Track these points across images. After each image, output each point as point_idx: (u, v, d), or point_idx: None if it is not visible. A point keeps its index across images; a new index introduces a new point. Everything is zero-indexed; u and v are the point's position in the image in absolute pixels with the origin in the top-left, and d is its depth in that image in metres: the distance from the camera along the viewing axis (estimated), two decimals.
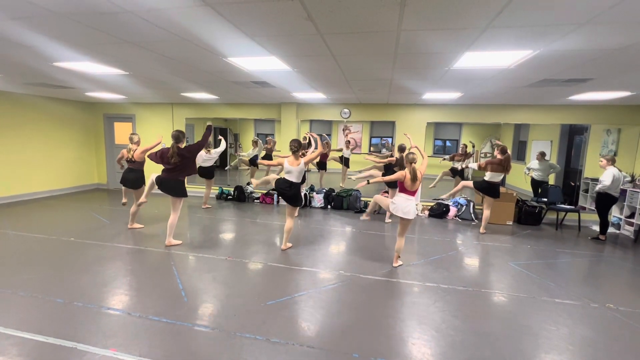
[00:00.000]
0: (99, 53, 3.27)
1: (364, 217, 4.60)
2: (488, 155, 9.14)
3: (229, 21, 2.28)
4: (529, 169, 6.68)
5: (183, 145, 4.05)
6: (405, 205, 3.60)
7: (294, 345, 2.35)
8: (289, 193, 3.97)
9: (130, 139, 4.71)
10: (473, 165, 5.46)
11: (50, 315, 2.63)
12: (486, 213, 5.31)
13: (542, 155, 6.50)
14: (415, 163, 3.60)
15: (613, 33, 2.30)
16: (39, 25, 2.51)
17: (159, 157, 4.04)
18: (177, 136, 3.98)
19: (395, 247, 3.82)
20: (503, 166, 5.01)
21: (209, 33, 2.56)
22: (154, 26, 2.43)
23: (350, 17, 2.15)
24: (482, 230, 5.29)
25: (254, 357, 2.20)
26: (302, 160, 3.96)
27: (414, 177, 3.53)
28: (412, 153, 3.65)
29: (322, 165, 8.22)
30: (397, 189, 3.76)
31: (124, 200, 5.09)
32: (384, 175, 4.40)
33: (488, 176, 5.15)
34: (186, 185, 4.33)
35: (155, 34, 2.62)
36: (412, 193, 3.63)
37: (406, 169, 3.60)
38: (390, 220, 5.89)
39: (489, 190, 5.18)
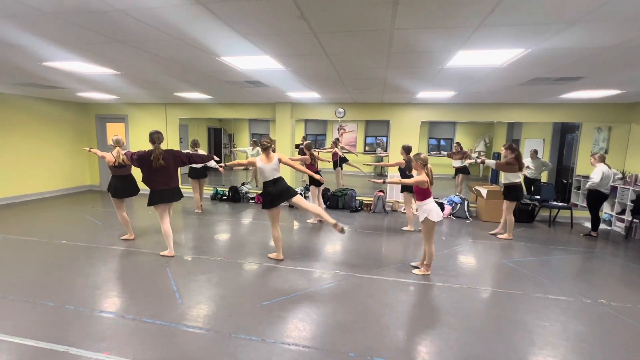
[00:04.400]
0: (89, 52, 3.22)
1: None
2: (482, 154, 9.26)
3: (222, 20, 2.26)
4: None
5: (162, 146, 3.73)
6: (437, 208, 3.44)
7: (290, 345, 2.34)
8: (276, 190, 3.67)
9: (117, 142, 4.25)
10: (490, 162, 4.98)
11: (41, 319, 2.59)
12: (509, 218, 4.93)
13: (535, 152, 6.57)
14: (428, 163, 3.47)
15: (602, 31, 2.33)
16: (28, 25, 2.46)
17: (137, 160, 3.68)
18: (159, 137, 3.69)
19: (428, 254, 3.54)
20: (519, 165, 4.75)
21: (201, 32, 2.54)
22: (146, 25, 2.39)
23: (344, 15, 2.14)
24: (510, 236, 4.95)
25: (249, 358, 2.19)
26: (277, 157, 3.71)
27: (431, 180, 3.44)
28: (421, 153, 3.52)
29: (336, 164, 7.92)
30: (416, 194, 3.55)
31: (130, 236, 4.47)
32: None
33: (508, 179, 4.86)
34: (180, 187, 4.08)
35: (146, 33, 2.58)
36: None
37: (424, 173, 3.45)
38: (410, 228, 5.35)
39: (511, 192, 4.87)
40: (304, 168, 4.24)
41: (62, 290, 3.05)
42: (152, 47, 2.99)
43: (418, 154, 3.50)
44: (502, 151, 4.93)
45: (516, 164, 4.74)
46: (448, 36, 2.50)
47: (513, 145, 4.80)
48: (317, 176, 4.45)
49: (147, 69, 3.90)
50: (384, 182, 3.64)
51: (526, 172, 6.63)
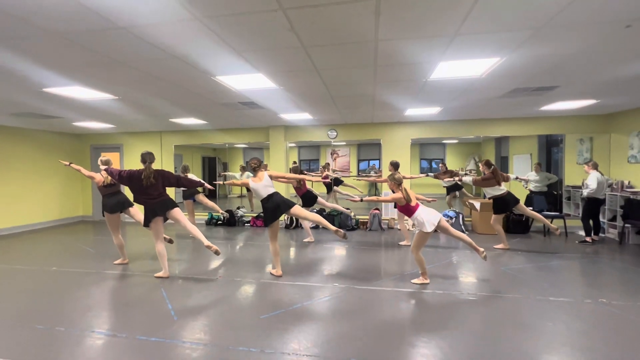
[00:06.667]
0: (88, 76, 3.35)
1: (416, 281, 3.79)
2: (473, 172, 9.44)
3: (217, 34, 2.41)
4: (526, 181, 6.77)
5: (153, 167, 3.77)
6: (430, 214, 3.48)
7: (290, 355, 2.27)
8: (272, 205, 3.71)
9: (106, 162, 4.11)
10: (467, 179, 5.19)
11: (30, 341, 2.48)
12: (497, 229, 5.04)
13: (539, 166, 6.71)
14: (402, 183, 3.64)
15: (566, 37, 2.53)
16: (30, 48, 2.59)
17: (127, 177, 3.67)
18: (151, 157, 3.73)
19: (417, 262, 3.59)
20: (496, 179, 4.82)
21: (198, 49, 2.69)
22: (145, 43, 2.54)
23: (330, 27, 2.31)
24: (506, 246, 4.98)
25: None
26: (266, 174, 3.78)
27: (408, 197, 3.52)
28: (396, 173, 3.68)
29: (330, 188, 7.97)
30: (401, 212, 3.67)
31: (123, 260, 4.39)
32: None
33: (489, 193, 4.97)
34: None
35: (146, 52, 2.73)
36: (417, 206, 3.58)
37: (399, 191, 3.58)
38: (407, 243, 5.36)
39: (495, 205, 4.97)
40: (295, 176, 4.25)
41: (52, 313, 2.94)
42: (150, 68, 3.14)
43: (392, 174, 3.68)
44: (480, 167, 5.13)
45: (493, 178, 4.83)
46: (428, 46, 2.69)
47: (489, 161, 4.98)
48: (310, 179, 4.49)
49: (145, 91, 4.04)
50: (362, 200, 3.67)
51: (531, 186, 6.72)
